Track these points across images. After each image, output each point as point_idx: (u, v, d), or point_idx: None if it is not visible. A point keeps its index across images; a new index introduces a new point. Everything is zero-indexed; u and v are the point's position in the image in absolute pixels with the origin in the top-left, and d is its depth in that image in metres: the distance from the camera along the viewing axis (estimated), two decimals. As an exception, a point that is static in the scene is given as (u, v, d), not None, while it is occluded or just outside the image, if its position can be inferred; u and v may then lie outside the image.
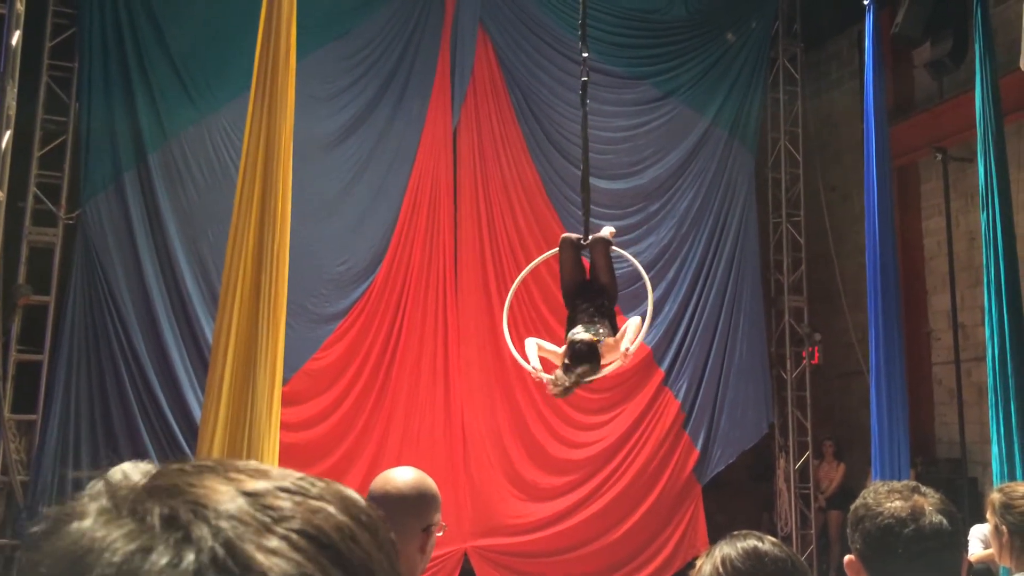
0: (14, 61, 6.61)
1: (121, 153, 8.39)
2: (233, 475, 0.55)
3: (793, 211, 11.17)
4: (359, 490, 0.62)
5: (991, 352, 5.61)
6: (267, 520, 0.52)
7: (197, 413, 7.40)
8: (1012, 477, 5.21)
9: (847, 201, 11.12)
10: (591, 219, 6.19)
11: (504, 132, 9.81)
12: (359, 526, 0.55)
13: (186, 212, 8.54)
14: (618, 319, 5.96)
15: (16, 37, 6.65)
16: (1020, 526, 2.64)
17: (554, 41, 9.89)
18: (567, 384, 5.16)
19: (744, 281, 10.47)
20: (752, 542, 1.78)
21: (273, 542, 0.51)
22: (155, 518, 0.51)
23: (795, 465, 10.66)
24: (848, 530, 1.99)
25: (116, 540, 0.50)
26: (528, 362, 5.50)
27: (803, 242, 11.08)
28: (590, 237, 5.87)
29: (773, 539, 1.83)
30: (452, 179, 9.59)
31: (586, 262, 5.95)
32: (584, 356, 5.16)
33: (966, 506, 7.79)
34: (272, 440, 4.26)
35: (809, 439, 10.74)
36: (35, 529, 0.54)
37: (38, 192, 8.24)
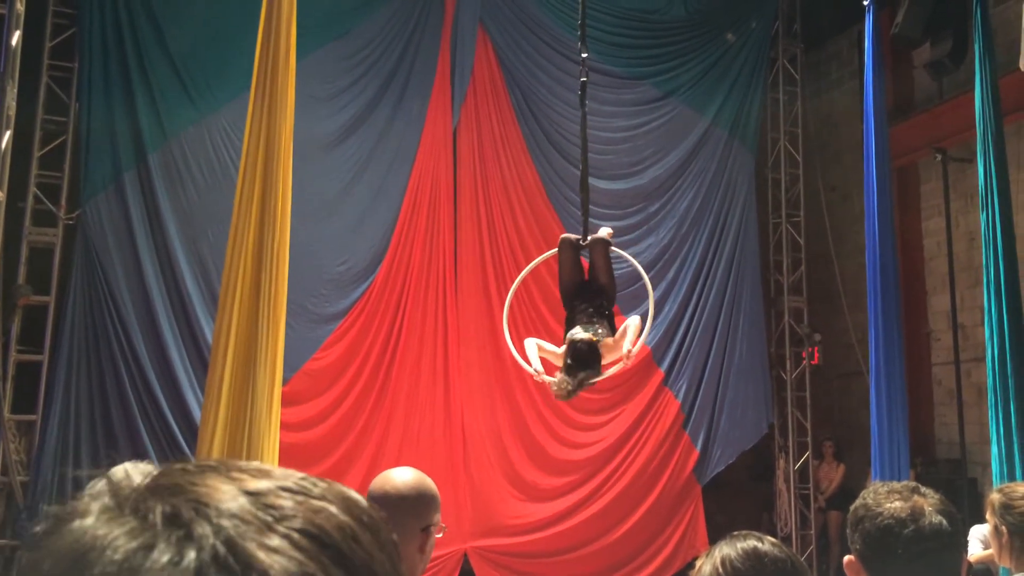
0: (14, 61, 6.61)
1: (121, 153, 8.39)
2: (235, 475, 0.55)
3: (793, 211, 11.17)
4: (359, 490, 0.62)
5: (991, 352, 5.61)
6: (269, 519, 0.52)
7: (197, 413, 7.40)
8: (1012, 477, 5.21)
9: (847, 201, 11.13)
10: (590, 219, 6.19)
11: (504, 132, 9.81)
12: (361, 526, 0.55)
13: (186, 212, 8.54)
14: (617, 319, 5.96)
15: (16, 37, 6.65)
16: (1020, 526, 2.64)
17: (554, 41, 9.89)
18: (570, 388, 5.17)
19: (744, 281, 10.47)
20: (752, 542, 1.78)
21: (275, 541, 0.51)
22: (157, 516, 0.51)
23: (795, 465, 10.66)
24: (848, 530, 1.99)
25: (118, 538, 0.50)
26: (530, 364, 5.50)
27: (803, 242, 11.08)
28: (589, 238, 5.87)
29: (773, 539, 1.83)
30: (452, 179, 9.60)
31: (584, 263, 5.95)
32: (585, 355, 5.16)
33: (966, 507, 7.79)
34: (272, 440, 4.26)
35: (809, 439, 10.74)
36: (37, 529, 0.54)
37: (38, 192, 8.24)
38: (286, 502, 0.54)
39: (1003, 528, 2.68)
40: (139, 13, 8.51)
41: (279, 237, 4.40)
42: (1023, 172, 8.43)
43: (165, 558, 0.49)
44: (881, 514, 1.88)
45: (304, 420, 8.59)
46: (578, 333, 5.29)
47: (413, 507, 2.20)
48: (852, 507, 2.00)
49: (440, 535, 2.26)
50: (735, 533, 1.84)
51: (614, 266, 6.04)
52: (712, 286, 10.31)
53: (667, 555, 9.66)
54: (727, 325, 10.30)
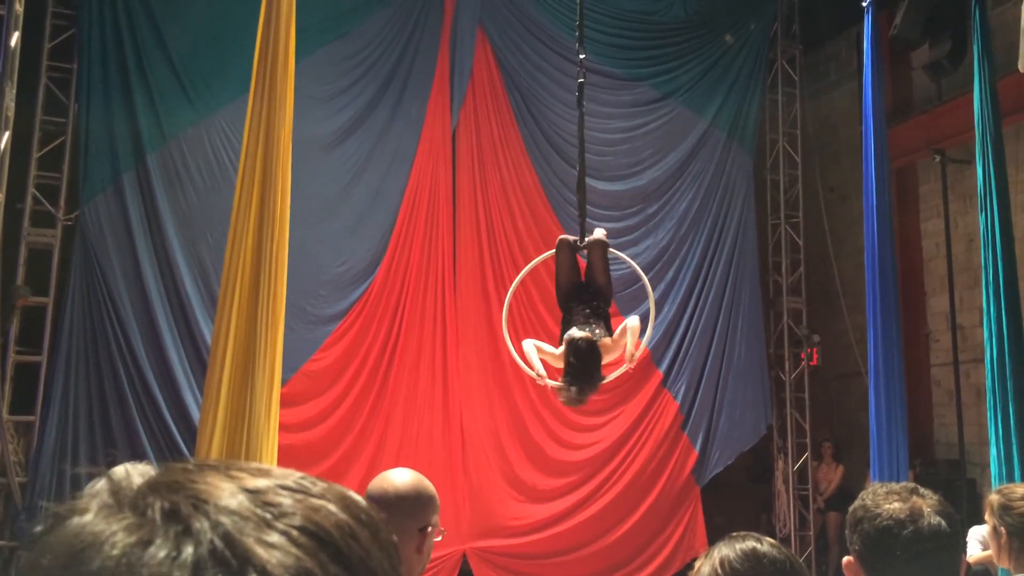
0: (13, 62, 6.61)
1: (120, 154, 8.39)
2: (235, 473, 0.55)
3: (792, 212, 11.18)
4: (357, 491, 0.62)
5: (990, 353, 5.61)
6: (267, 516, 0.52)
7: (195, 415, 7.40)
8: (1010, 478, 5.21)
9: (846, 202, 11.14)
10: (589, 221, 6.19)
11: (503, 134, 9.82)
12: (359, 524, 0.55)
13: (185, 213, 8.54)
14: (615, 320, 5.96)
15: (15, 38, 6.64)
16: (1018, 527, 2.64)
17: (553, 43, 9.89)
18: (578, 396, 5.20)
19: (743, 282, 10.47)
20: (751, 543, 1.78)
21: (273, 537, 0.51)
22: (156, 512, 0.51)
23: (794, 466, 10.66)
24: (847, 531, 1.99)
25: (116, 533, 0.51)
26: (532, 368, 5.49)
27: (802, 243, 11.09)
28: (587, 239, 5.86)
29: (772, 540, 1.83)
30: (451, 180, 9.60)
31: (581, 264, 5.94)
32: (585, 353, 5.16)
33: (964, 507, 7.80)
34: (271, 441, 4.26)
35: (808, 440, 10.74)
36: (38, 528, 0.54)
37: (37, 193, 8.23)
38: (285, 500, 0.54)
39: (1002, 529, 2.68)
40: (138, 14, 8.51)
41: (278, 238, 4.39)
42: (1022, 173, 8.44)
43: (163, 553, 0.49)
44: (880, 515, 1.89)
45: (303, 421, 8.59)
46: (577, 332, 5.29)
47: (411, 507, 2.20)
48: (851, 508, 2.00)
49: (439, 538, 2.26)
50: (734, 534, 1.84)
51: (612, 267, 6.04)
52: (711, 287, 10.31)
53: (666, 556, 9.66)
54: (726, 326, 10.30)
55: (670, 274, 10.17)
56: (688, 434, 10.02)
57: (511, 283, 6.99)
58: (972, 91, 6.08)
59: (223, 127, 8.60)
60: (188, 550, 0.49)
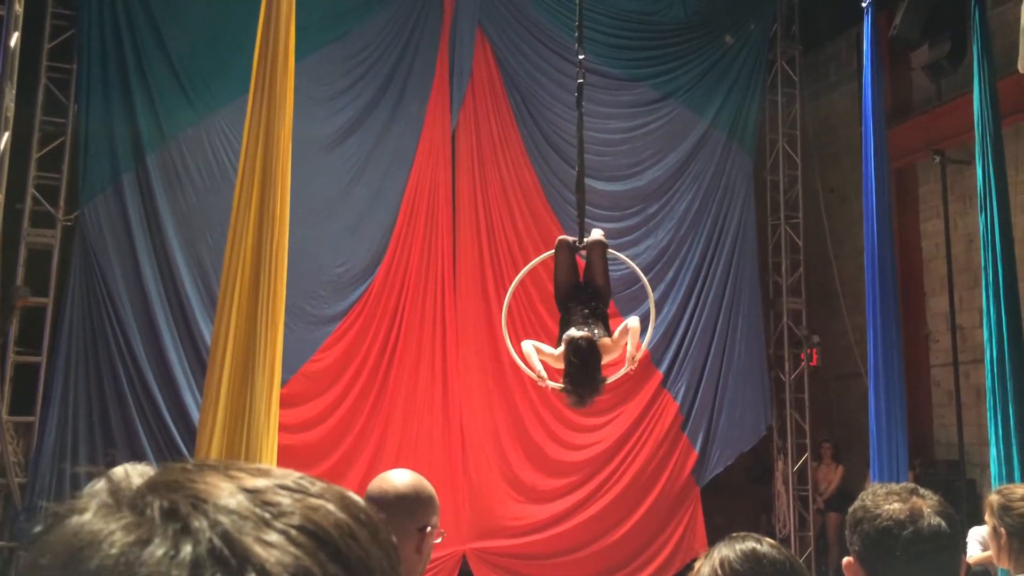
0: (13, 62, 6.61)
1: (120, 155, 8.39)
2: (234, 473, 0.55)
3: (791, 213, 11.18)
4: (356, 492, 0.62)
5: (989, 354, 5.61)
6: (266, 515, 0.52)
7: (195, 415, 7.40)
8: (1010, 479, 5.21)
9: (845, 203, 11.14)
10: (588, 221, 6.18)
11: (503, 134, 9.82)
12: (358, 524, 0.55)
13: (184, 214, 8.54)
14: (615, 320, 5.96)
15: (15, 39, 6.64)
16: (1018, 528, 2.64)
17: (553, 43, 9.89)
18: (580, 401, 5.23)
19: (743, 283, 10.47)
20: (750, 544, 1.78)
21: (272, 536, 0.51)
22: (154, 511, 0.51)
23: (793, 467, 10.66)
24: (846, 532, 1.99)
25: (114, 532, 0.50)
26: (533, 370, 5.49)
27: (801, 244, 11.09)
28: (587, 240, 5.86)
29: (771, 541, 1.83)
30: (451, 181, 9.60)
31: (580, 265, 5.94)
32: (585, 352, 5.17)
33: (964, 508, 7.80)
34: (270, 442, 4.26)
35: (807, 441, 10.74)
36: (36, 528, 0.54)
37: (36, 194, 8.23)
38: (284, 499, 0.54)
39: (1002, 529, 2.68)
40: (138, 14, 8.51)
41: (278, 239, 4.39)
42: (1021, 174, 8.44)
43: (161, 551, 0.49)
44: (880, 516, 1.88)
45: (303, 422, 8.59)
46: (576, 331, 5.30)
47: (410, 507, 2.20)
48: (851, 509, 2.00)
49: (439, 540, 2.26)
50: (734, 535, 1.84)
51: (612, 268, 6.04)
52: (711, 288, 10.31)
53: (666, 557, 9.66)
54: (726, 327, 10.30)
55: (670, 274, 10.17)
56: (688, 435, 10.02)
57: (511, 283, 6.99)
58: (972, 91, 6.09)
59: (223, 127, 8.60)
60: (187, 549, 0.49)
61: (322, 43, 8.89)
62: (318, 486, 0.57)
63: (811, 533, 10.59)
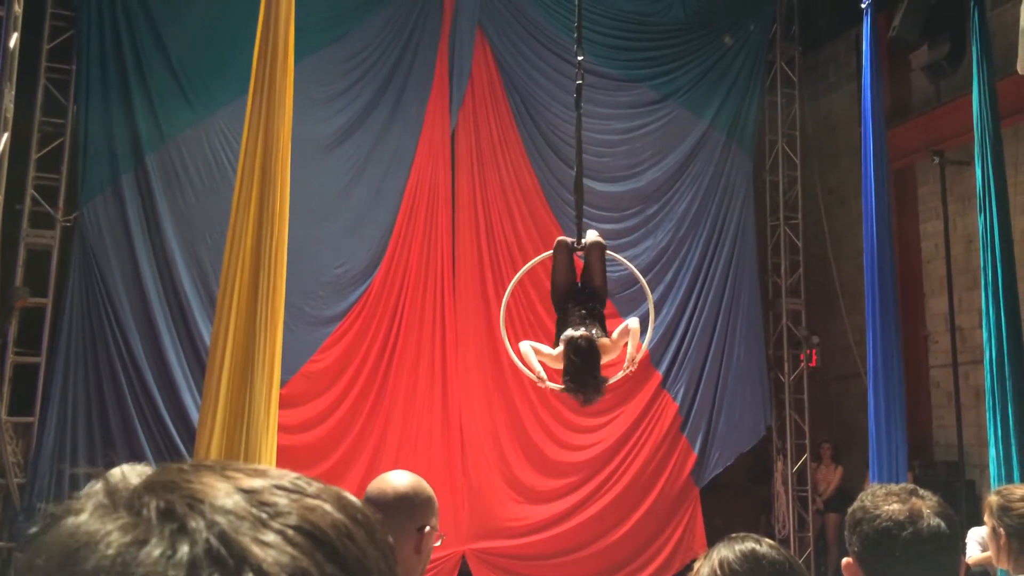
0: (12, 63, 6.61)
1: (119, 155, 8.39)
2: (231, 473, 0.55)
3: (791, 214, 11.18)
4: (356, 493, 0.62)
5: (989, 355, 5.61)
6: (263, 516, 0.52)
7: (194, 416, 7.40)
8: (1009, 479, 5.21)
9: (845, 204, 11.14)
10: (587, 222, 6.18)
11: (502, 135, 9.82)
12: (355, 524, 0.55)
13: (184, 214, 8.54)
14: (615, 321, 5.96)
15: (14, 39, 6.64)
16: (1018, 528, 2.64)
17: (552, 44, 9.90)
18: (583, 401, 5.26)
19: (742, 284, 10.48)
20: (750, 544, 1.78)
21: (269, 536, 0.51)
22: (151, 511, 0.51)
23: (793, 468, 10.66)
24: (846, 533, 1.99)
25: (111, 533, 0.50)
26: (532, 371, 5.49)
27: (801, 245, 11.09)
28: (585, 241, 5.86)
29: (771, 542, 1.83)
30: (450, 182, 9.60)
31: (578, 265, 5.94)
32: (585, 351, 5.18)
33: (964, 509, 7.80)
34: (270, 442, 4.26)
35: (807, 441, 10.74)
36: (33, 529, 0.54)
37: (36, 194, 8.23)
38: (281, 499, 0.54)
39: (1001, 530, 2.68)
40: (137, 15, 8.51)
41: (277, 239, 4.39)
42: (1021, 175, 8.44)
43: (158, 552, 0.49)
44: (879, 516, 1.88)
45: (302, 422, 8.59)
46: (575, 331, 5.30)
47: (410, 507, 2.21)
48: (850, 509, 1.99)
49: (438, 543, 2.27)
50: (733, 535, 1.84)
51: (612, 269, 6.04)
52: (710, 289, 10.31)
53: (665, 557, 9.66)
54: (725, 327, 10.31)
55: (669, 275, 10.18)
56: (687, 435, 10.02)
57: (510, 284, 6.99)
58: (971, 92, 6.08)
59: (222, 128, 8.60)
60: (184, 549, 0.49)
61: (322, 44, 8.90)
62: (315, 486, 0.57)
63: (810, 534, 10.59)
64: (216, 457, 4.12)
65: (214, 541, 0.49)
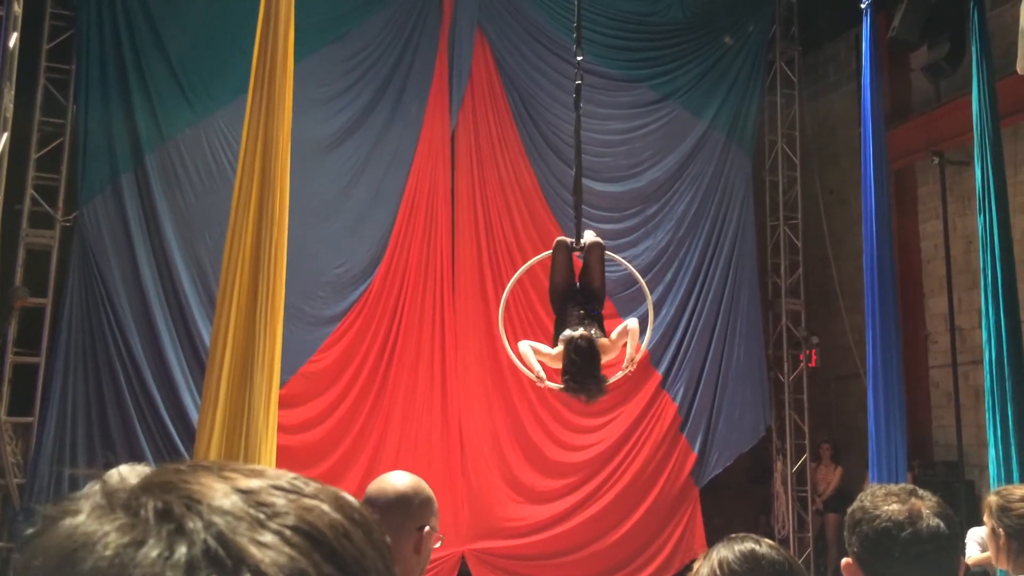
0: (12, 63, 6.61)
1: (118, 155, 8.39)
2: (228, 473, 0.55)
3: (790, 214, 11.18)
4: (355, 493, 0.62)
5: (988, 355, 5.61)
6: (261, 516, 0.52)
7: (194, 416, 7.40)
8: (1009, 480, 5.21)
9: (844, 204, 11.14)
10: (587, 222, 6.18)
11: (502, 135, 9.82)
12: (353, 524, 0.55)
13: (183, 214, 8.54)
14: (615, 322, 5.96)
15: (14, 39, 6.64)
16: (1017, 529, 2.64)
17: (552, 44, 9.89)
18: (585, 400, 5.26)
19: (741, 284, 10.48)
20: (749, 545, 1.78)
21: (266, 536, 0.51)
22: (148, 512, 0.51)
23: (792, 468, 10.66)
24: (845, 533, 1.99)
25: (108, 533, 0.50)
26: (532, 371, 5.49)
27: (800, 245, 11.09)
28: (585, 242, 5.86)
29: (770, 542, 1.83)
30: (450, 182, 9.60)
31: (576, 265, 5.94)
32: (585, 350, 5.18)
33: (963, 509, 7.80)
34: (269, 442, 4.25)
35: (806, 442, 10.74)
36: (30, 530, 0.54)
37: (35, 194, 8.23)
38: (278, 500, 0.54)
39: (1000, 530, 2.68)
40: (137, 15, 8.51)
41: (276, 239, 4.39)
42: (1020, 175, 8.45)
43: (155, 552, 0.49)
44: (879, 516, 1.88)
45: (301, 423, 8.59)
46: (574, 331, 5.31)
47: (408, 507, 2.21)
48: (850, 509, 1.99)
49: (438, 544, 2.27)
50: (732, 535, 1.84)
51: (611, 269, 6.04)
52: (710, 289, 10.31)
53: (665, 557, 9.66)
54: (725, 328, 10.31)
55: (669, 275, 10.18)
56: (687, 435, 10.02)
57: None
58: (971, 93, 6.08)
59: (222, 128, 8.60)
60: (181, 550, 0.49)
61: (321, 44, 8.89)
62: (312, 487, 0.56)
63: (810, 534, 10.59)
64: (215, 457, 4.12)
65: (212, 542, 0.49)
